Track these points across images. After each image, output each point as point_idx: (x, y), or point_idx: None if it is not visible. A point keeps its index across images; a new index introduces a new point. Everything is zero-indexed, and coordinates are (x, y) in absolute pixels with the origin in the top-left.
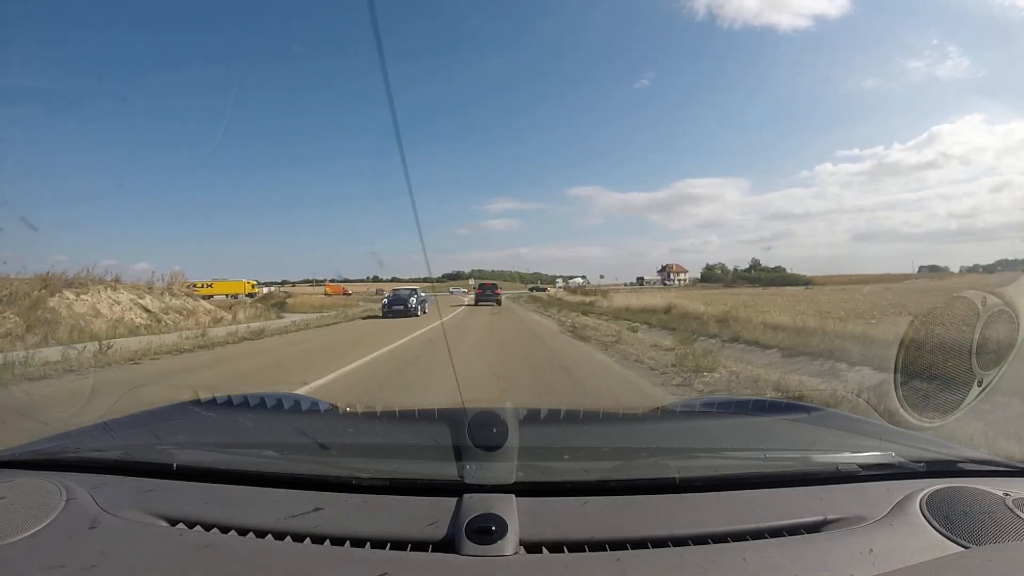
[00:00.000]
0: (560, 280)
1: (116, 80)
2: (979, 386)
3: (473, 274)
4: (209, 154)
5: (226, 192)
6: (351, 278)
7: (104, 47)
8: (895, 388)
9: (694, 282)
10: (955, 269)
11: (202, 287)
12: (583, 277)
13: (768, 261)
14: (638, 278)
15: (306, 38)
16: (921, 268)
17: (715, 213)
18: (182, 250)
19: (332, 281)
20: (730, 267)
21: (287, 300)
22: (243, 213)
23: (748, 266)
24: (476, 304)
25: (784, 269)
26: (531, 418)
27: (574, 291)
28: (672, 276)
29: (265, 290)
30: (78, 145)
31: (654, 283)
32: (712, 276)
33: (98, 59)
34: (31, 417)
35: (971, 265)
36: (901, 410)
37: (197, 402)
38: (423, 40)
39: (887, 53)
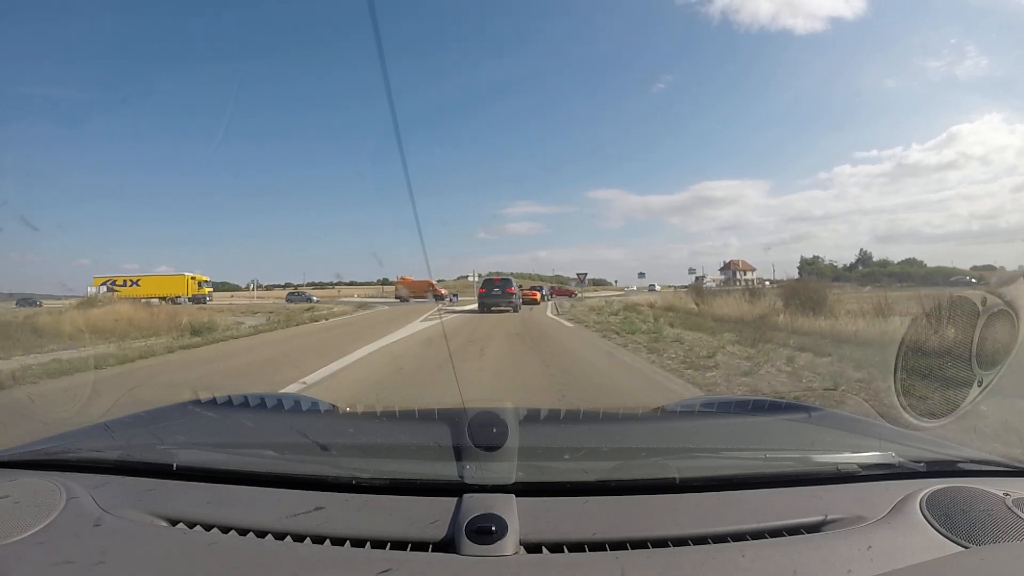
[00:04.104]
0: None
1: (120, 83)
2: (979, 386)
3: (492, 276)
4: (242, 165)
5: (247, 198)
6: (370, 280)
7: (105, 47)
8: (895, 388)
9: (781, 282)
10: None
11: (124, 285)
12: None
13: (776, 261)
14: (697, 277)
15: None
16: (974, 267)
17: (735, 215)
18: (205, 254)
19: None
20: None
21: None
22: (269, 219)
23: (856, 260)
24: (481, 311)
25: (923, 263)
26: (531, 418)
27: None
28: (738, 275)
29: (209, 290)
30: (93, 150)
31: (716, 282)
32: (816, 272)
33: (100, 60)
34: None
35: None
36: (901, 410)
37: (197, 402)
38: (443, 44)
39: (904, 53)
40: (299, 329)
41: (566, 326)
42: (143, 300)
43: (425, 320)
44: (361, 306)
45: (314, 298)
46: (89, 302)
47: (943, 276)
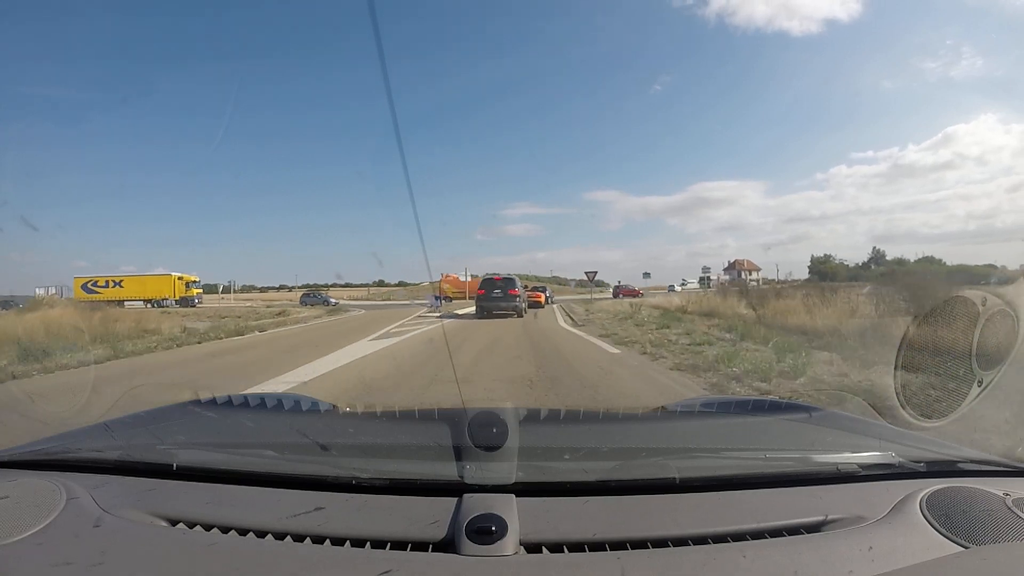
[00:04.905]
0: None
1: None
2: (979, 386)
3: (492, 276)
4: (247, 168)
5: (247, 198)
6: (366, 281)
7: (105, 47)
8: (895, 388)
9: (786, 281)
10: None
11: (107, 286)
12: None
13: (777, 261)
14: (702, 277)
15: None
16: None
17: (733, 216)
18: (205, 255)
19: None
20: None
21: None
22: (269, 219)
23: (868, 258)
24: (479, 316)
25: (942, 261)
26: (531, 418)
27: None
28: (743, 274)
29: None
30: (93, 150)
31: (723, 282)
32: (829, 272)
33: (101, 60)
34: None
35: None
36: (901, 410)
37: (197, 402)
38: (443, 44)
39: (900, 55)
40: (202, 348)
41: (609, 354)
42: (124, 303)
43: (383, 337)
44: (332, 310)
45: (332, 300)
46: (33, 305)
47: (965, 274)
